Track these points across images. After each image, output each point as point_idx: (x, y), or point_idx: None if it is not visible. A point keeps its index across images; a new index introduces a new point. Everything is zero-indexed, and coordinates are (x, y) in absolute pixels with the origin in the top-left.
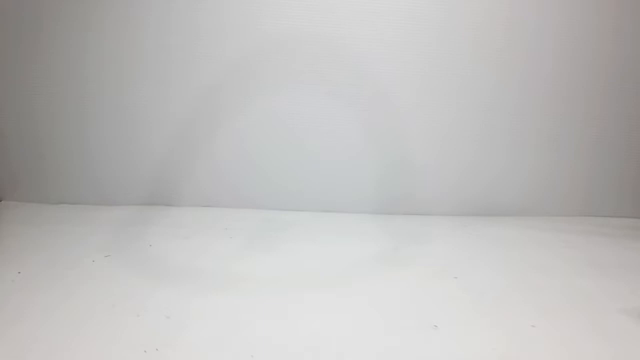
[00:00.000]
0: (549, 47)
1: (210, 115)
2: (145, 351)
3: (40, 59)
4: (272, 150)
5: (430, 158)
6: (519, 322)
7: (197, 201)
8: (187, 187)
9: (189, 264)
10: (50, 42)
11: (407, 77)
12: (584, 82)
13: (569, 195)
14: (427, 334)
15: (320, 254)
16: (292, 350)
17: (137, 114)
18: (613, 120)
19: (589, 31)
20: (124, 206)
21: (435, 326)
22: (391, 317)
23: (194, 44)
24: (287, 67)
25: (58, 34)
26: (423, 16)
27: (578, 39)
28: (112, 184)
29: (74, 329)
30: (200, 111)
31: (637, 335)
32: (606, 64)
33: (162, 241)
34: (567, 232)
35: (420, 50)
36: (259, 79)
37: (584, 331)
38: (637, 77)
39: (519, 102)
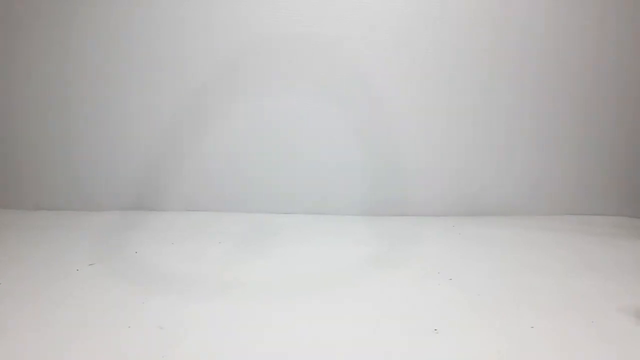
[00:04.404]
0: (535, 51)
1: (198, 117)
2: None
3: (17, 58)
4: (261, 152)
5: (421, 159)
6: (518, 324)
7: (183, 205)
8: (173, 191)
9: (177, 271)
10: (29, 41)
11: (398, 79)
12: (570, 85)
13: (557, 195)
14: (427, 337)
15: (313, 257)
16: (291, 358)
17: (121, 115)
18: (599, 121)
19: (574, 35)
20: (106, 211)
21: (435, 330)
22: (389, 321)
23: (181, 45)
24: (277, 68)
25: (37, 32)
26: (416, 19)
27: (563, 42)
28: (95, 188)
29: (60, 343)
30: (187, 113)
31: (636, 334)
32: (592, 66)
33: (149, 248)
34: (556, 231)
35: (412, 53)
36: (248, 81)
37: (583, 331)
38: (622, 78)
39: (508, 104)
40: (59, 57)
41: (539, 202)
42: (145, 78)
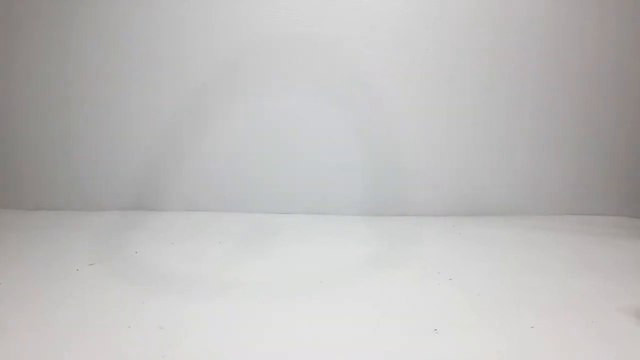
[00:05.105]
0: (535, 51)
1: (198, 118)
2: None
3: (17, 58)
4: (261, 152)
5: (421, 159)
6: (518, 324)
7: (183, 205)
8: (173, 191)
9: (177, 271)
10: (29, 41)
11: (398, 79)
12: (570, 85)
13: (557, 195)
14: (427, 337)
15: (313, 257)
16: (291, 358)
17: (121, 115)
18: (597, 121)
19: (575, 34)
20: (106, 212)
21: (435, 330)
22: (389, 321)
23: (181, 45)
24: (277, 68)
25: (37, 32)
26: (416, 19)
27: (563, 42)
28: (94, 188)
29: (60, 343)
30: (187, 113)
31: (636, 334)
32: (592, 66)
33: (149, 248)
34: (555, 230)
35: (411, 52)
36: (248, 81)
37: (583, 331)
38: (621, 78)
39: (508, 104)
40: (59, 57)
41: (539, 202)
42: (145, 78)
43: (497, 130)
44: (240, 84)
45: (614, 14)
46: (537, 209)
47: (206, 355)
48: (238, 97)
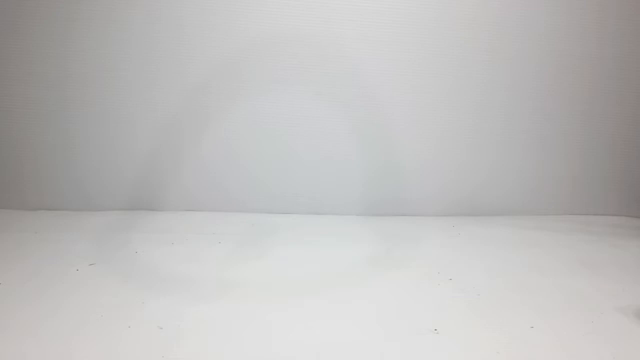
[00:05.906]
0: (536, 49)
1: (196, 117)
2: None
3: (17, 58)
4: (259, 152)
5: (419, 158)
6: (518, 324)
7: (182, 205)
8: (173, 191)
9: (178, 271)
10: (28, 42)
11: (396, 78)
12: (570, 84)
13: (557, 195)
14: (427, 338)
15: (312, 258)
16: (291, 359)
17: (121, 115)
18: (598, 120)
19: (574, 33)
20: (106, 211)
21: (435, 330)
22: (390, 322)
23: (180, 45)
24: (273, 68)
25: (37, 33)
26: (411, 16)
27: (564, 41)
28: (94, 188)
29: (60, 343)
30: (185, 113)
31: (634, 333)
32: (591, 66)
33: (149, 247)
34: (555, 230)
35: (409, 51)
36: (246, 81)
37: (583, 331)
38: (621, 77)
39: (507, 103)
40: (59, 57)
41: (539, 202)
42: (145, 78)
43: (497, 130)
44: (240, 84)
45: (614, 14)
46: (537, 209)
47: (206, 356)
48: (238, 97)
